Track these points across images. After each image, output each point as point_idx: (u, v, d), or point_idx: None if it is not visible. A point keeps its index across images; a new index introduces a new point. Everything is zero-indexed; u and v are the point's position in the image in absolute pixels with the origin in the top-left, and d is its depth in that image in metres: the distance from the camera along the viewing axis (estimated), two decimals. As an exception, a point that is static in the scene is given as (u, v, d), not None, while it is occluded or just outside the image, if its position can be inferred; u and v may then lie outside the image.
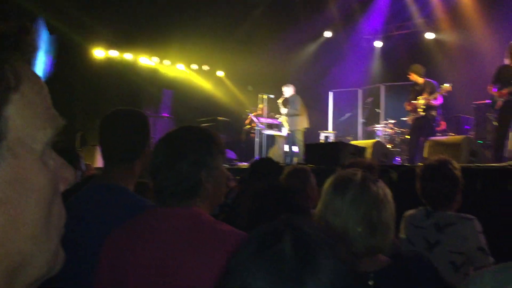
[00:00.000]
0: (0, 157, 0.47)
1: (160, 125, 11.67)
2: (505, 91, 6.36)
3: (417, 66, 7.74)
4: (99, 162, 8.76)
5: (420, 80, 7.64)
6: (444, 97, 7.65)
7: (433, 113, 7.55)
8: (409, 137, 8.41)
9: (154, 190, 1.50)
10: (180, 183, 1.43)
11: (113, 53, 12.11)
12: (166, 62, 13.29)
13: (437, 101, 7.46)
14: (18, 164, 0.49)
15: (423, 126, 7.61)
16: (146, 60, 12.82)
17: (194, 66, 13.75)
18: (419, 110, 7.55)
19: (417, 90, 7.72)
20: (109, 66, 11.71)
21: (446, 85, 7.37)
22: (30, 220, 0.50)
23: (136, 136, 1.89)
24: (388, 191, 1.62)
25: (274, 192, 1.96)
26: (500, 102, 6.41)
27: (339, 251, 0.77)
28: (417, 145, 7.72)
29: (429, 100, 7.44)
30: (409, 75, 7.71)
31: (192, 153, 1.46)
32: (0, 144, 0.47)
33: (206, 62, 13.69)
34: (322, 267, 0.72)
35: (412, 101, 7.72)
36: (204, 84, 13.88)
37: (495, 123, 6.92)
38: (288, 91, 9.54)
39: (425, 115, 7.49)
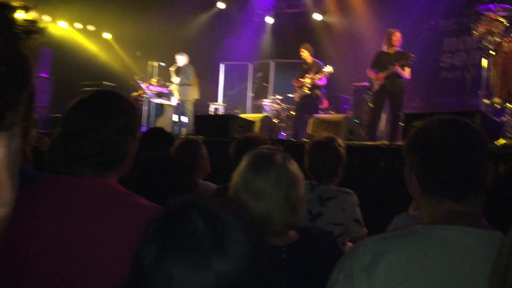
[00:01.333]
0: (16, 139, 0.49)
1: (38, 86, 10.76)
2: (381, 75, 6.94)
3: (307, 45, 8.14)
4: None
5: (310, 59, 8.07)
6: (327, 78, 8.18)
7: (318, 92, 8.07)
8: (294, 113, 8.86)
9: (66, 156, 1.37)
10: (103, 153, 1.33)
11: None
12: (46, 17, 12.18)
13: (321, 81, 7.97)
14: (18, 148, 0.51)
15: (307, 104, 8.10)
16: (21, 14, 11.62)
17: (78, 25, 12.79)
18: (304, 88, 8.00)
19: (304, 69, 8.13)
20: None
21: (329, 68, 7.88)
22: (9, 192, 0.53)
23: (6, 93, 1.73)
24: (298, 168, 1.67)
25: (162, 162, 1.94)
26: (376, 85, 6.99)
27: (246, 220, 0.79)
28: (301, 121, 8.21)
29: (314, 79, 7.89)
30: (301, 51, 8.07)
31: (122, 121, 1.36)
32: (15, 130, 0.48)
33: (91, 22, 12.80)
34: (236, 230, 0.74)
35: (300, 79, 8.12)
36: (88, 45, 13.00)
37: (370, 105, 7.55)
38: (181, 59, 9.37)
39: (310, 93, 7.98)
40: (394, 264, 1.14)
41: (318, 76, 7.88)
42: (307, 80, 7.98)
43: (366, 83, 8.99)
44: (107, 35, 13.30)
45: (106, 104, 1.38)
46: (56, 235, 1.26)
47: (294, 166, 1.65)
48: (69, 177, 1.35)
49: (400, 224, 1.90)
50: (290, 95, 8.86)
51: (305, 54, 8.08)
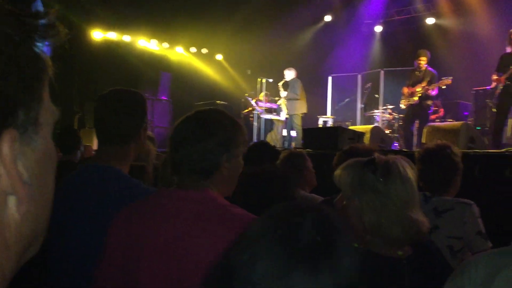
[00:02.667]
0: (38, 138, 0.50)
1: (158, 108, 11.62)
2: (503, 77, 6.36)
3: (425, 51, 7.74)
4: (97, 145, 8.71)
5: (424, 67, 7.65)
6: (441, 88, 7.70)
7: (429, 102, 7.63)
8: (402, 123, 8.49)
9: (171, 165, 1.48)
10: (201, 161, 1.42)
11: (112, 35, 12.00)
12: (165, 44, 13.18)
13: (434, 91, 7.51)
14: (46, 143, 0.52)
15: (417, 114, 7.69)
16: (144, 43, 12.71)
17: (193, 49, 13.64)
18: (415, 97, 7.60)
19: (417, 76, 7.72)
20: (107, 48, 11.61)
21: (447, 79, 7.41)
22: (49, 197, 0.54)
23: (131, 118, 1.83)
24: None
25: (260, 175, 1.95)
26: (498, 89, 6.42)
27: (357, 237, 0.75)
28: (411, 131, 7.83)
29: (427, 89, 7.47)
30: (420, 60, 7.67)
31: (219, 134, 1.45)
32: (37, 123, 0.50)
33: (205, 45, 13.58)
34: (339, 252, 0.70)
35: (411, 87, 7.74)
36: (202, 67, 13.78)
37: (494, 110, 6.92)
38: (289, 74, 9.48)
39: (420, 103, 7.56)
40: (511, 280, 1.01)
41: (432, 86, 7.47)
42: (418, 89, 7.58)
43: (487, 87, 8.28)
44: (219, 57, 13.99)
45: (205, 119, 1.48)
46: (164, 246, 1.35)
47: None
48: (174, 190, 1.46)
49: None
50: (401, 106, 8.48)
51: (423, 62, 7.65)
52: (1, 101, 0.45)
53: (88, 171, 1.80)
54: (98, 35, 11.63)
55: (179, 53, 13.56)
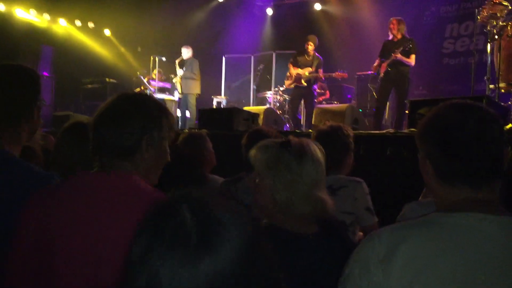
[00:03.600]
0: None
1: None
2: (384, 63, 6.91)
3: (315, 38, 8.19)
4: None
5: (312, 52, 8.10)
6: (327, 67, 8.34)
7: (315, 85, 8.23)
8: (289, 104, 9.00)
9: (92, 145, 1.45)
10: (120, 141, 1.39)
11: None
12: (46, 16, 12.14)
13: (320, 74, 8.14)
14: None
15: (304, 96, 8.22)
16: (22, 13, 11.58)
17: (78, 23, 12.74)
18: (302, 80, 8.06)
19: (306, 60, 8.15)
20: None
21: (343, 73, 8.14)
22: None
23: (23, 96, 1.71)
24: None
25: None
26: (381, 73, 6.97)
27: (239, 208, 0.76)
28: (298, 112, 8.38)
29: (317, 75, 8.01)
30: (308, 44, 8.09)
31: (141, 116, 1.43)
32: None
33: (91, 19, 12.74)
34: (226, 227, 0.71)
35: (297, 69, 8.16)
36: (89, 42, 12.95)
37: (374, 94, 7.50)
38: (186, 52, 9.34)
39: (307, 86, 8.08)
40: (411, 254, 1.12)
41: (325, 74, 8.15)
42: (307, 73, 8.06)
43: (369, 72, 8.94)
44: (107, 32, 13.25)
45: (131, 100, 1.48)
46: (80, 230, 1.32)
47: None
48: (95, 174, 1.43)
49: (411, 212, 1.88)
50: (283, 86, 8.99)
51: (311, 47, 8.11)
52: None
53: None
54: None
55: (63, 26, 12.59)
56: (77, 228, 1.31)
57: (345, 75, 8.23)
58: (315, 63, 8.07)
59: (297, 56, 8.37)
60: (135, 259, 0.71)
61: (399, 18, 7.09)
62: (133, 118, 1.42)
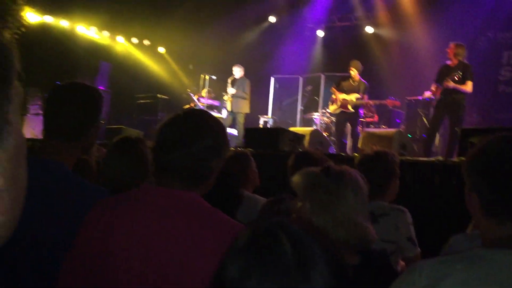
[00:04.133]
0: (8, 136, 0.48)
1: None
2: (439, 90, 6.75)
3: (358, 63, 8.11)
4: (26, 132, 8.29)
5: (357, 77, 8.04)
6: (378, 90, 8.21)
7: (361, 111, 8.19)
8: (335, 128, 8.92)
9: (157, 166, 1.42)
10: (194, 166, 1.37)
11: (48, 19, 11.42)
12: (105, 33, 12.74)
13: (366, 100, 8.06)
14: (16, 136, 0.50)
15: (350, 120, 8.16)
16: (83, 29, 12.21)
17: (135, 40, 13.28)
18: (349, 106, 7.99)
19: (351, 85, 8.10)
20: (43, 32, 11.02)
21: (396, 101, 8.06)
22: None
23: (85, 114, 1.78)
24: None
25: None
26: (435, 100, 6.83)
27: (324, 240, 0.78)
28: (344, 136, 8.31)
29: (365, 102, 7.96)
30: (351, 70, 8.05)
31: (211, 137, 1.40)
32: (8, 122, 0.48)
33: (147, 37, 13.26)
34: (318, 258, 0.74)
35: (342, 94, 8.11)
36: (144, 59, 13.45)
37: (424, 119, 7.31)
38: (238, 71, 9.47)
39: (355, 112, 8.01)
40: None
41: (375, 101, 8.20)
42: (353, 99, 8.01)
43: (419, 97, 8.75)
44: (161, 49, 13.72)
45: (198, 121, 1.43)
46: (143, 244, 1.31)
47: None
48: (160, 188, 1.40)
49: (458, 245, 1.81)
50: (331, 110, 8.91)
51: (354, 72, 8.04)
52: None
53: (30, 165, 1.72)
54: (33, 17, 11.02)
55: (120, 43, 13.16)
56: (139, 242, 1.31)
57: (398, 103, 8.12)
58: (361, 88, 8.00)
59: (342, 81, 8.32)
60: (230, 280, 0.73)
61: (458, 43, 6.82)
62: (203, 140, 1.39)
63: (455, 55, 6.67)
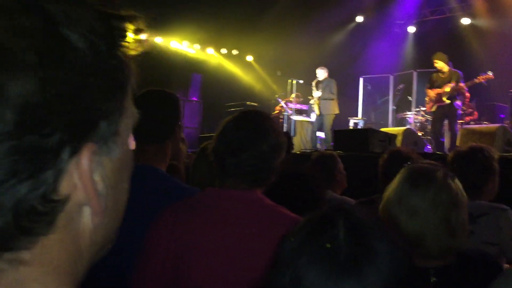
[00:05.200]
0: (116, 147, 0.49)
1: (188, 109, 11.75)
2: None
3: (441, 54, 7.59)
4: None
5: (446, 68, 7.50)
6: (479, 85, 7.55)
7: (458, 102, 7.50)
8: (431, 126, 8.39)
9: (221, 170, 1.45)
10: (262, 169, 1.41)
11: (143, 37, 12.17)
12: (196, 46, 13.32)
13: (466, 89, 7.42)
14: (123, 150, 0.51)
15: (447, 114, 7.53)
16: (176, 44, 12.87)
17: (224, 51, 13.74)
18: (443, 98, 7.45)
19: (442, 78, 7.58)
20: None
21: (488, 74, 7.28)
22: (123, 202, 0.54)
23: (167, 116, 1.87)
24: (462, 189, 1.53)
25: (291, 175, 1.94)
26: None
27: (393, 236, 0.75)
28: (441, 133, 7.69)
29: (460, 88, 7.33)
30: (435, 62, 7.56)
31: (273, 137, 1.43)
32: (117, 133, 0.49)
33: (235, 47, 13.65)
34: (378, 252, 0.70)
35: (436, 90, 7.60)
36: (233, 68, 13.86)
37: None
38: (321, 73, 9.29)
39: (450, 103, 7.40)
40: None
41: (468, 83, 7.37)
42: (447, 89, 7.42)
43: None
44: (249, 58, 14.04)
45: (261, 122, 1.46)
46: (218, 244, 1.35)
47: (458, 187, 1.50)
48: (227, 191, 1.44)
49: None
50: (426, 109, 8.39)
51: (440, 64, 7.51)
52: (83, 115, 0.43)
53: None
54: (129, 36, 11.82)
55: (210, 55, 13.68)
56: (212, 239, 1.35)
57: (491, 76, 7.30)
58: (453, 78, 7.42)
59: (432, 78, 7.83)
60: (284, 257, 0.74)
61: None
62: (266, 142, 1.41)
63: None
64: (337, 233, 0.71)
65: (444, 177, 1.48)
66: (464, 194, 1.52)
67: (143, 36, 0.54)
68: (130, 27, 0.52)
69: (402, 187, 1.49)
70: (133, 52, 0.52)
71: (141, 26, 0.53)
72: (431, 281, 1.47)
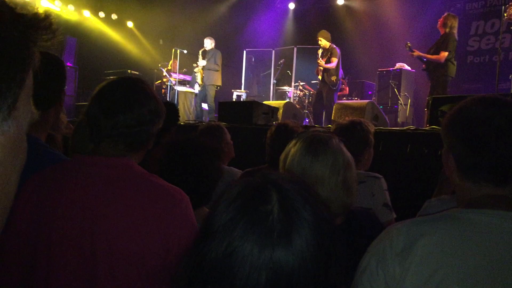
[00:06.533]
0: (11, 122, 0.48)
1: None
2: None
3: (325, 32, 8.02)
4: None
5: (328, 45, 7.94)
6: (348, 63, 8.05)
7: (332, 78, 7.88)
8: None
9: (95, 133, 1.39)
10: (137, 133, 1.37)
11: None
12: (70, 7, 12.31)
13: (331, 65, 7.81)
14: (17, 135, 0.50)
15: (323, 90, 8.01)
16: (47, 3, 11.76)
17: (102, 14, 12.89)
18: (319, 74, 7.94)
19: (324, 55, 8.04)
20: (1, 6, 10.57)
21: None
22: (11, 189, 0.52)
23: (52, 83, 1.73)
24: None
25: (186, 146, 1.93)
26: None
27: (318, 205, 0.78)
28: (320, 107, 8.15)
29: (325, 64, 7.79)
30: (319, 40, 7.96)
31: (151, 103, 1.41)
32: (10, 114, 0.48)
33: (115, 11, 12.88)
34: (306, 223, 0.74)
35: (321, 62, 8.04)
36: (112, 34, 13.10)
37: (396, 90, 7.38)
38: (209, 43, 9.22)
39: (322, 79, 7.89)
40: (429, 249, 1.10)
41: (331, 60, 7.82)
42: (320, 67, 7.92)
43: (390, 69, 8.84)
44: (130, 24, 13.37)
45: (138, 86, 1.43)
46: (80, 212, 1.30)
47: (347, 150, 1.62)
48: (94, 157, 1.38)
49: (432, 209, 1.84)
50: (314, 82, 8.81)
51: (323, 42, 7.94)
52: None
53: None
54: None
55: (86, 17, 12.76)
56: (75, 208, 1.30)
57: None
58: (327, 54, 7.91)
59: (318, 54, 8.25)
60: (217, 228, 0.75)
61: (448, 13, 6.77)
62: (144, 106, 1.39)
63: (442, 25, 6.61)
64: (272, 208, 0.74)
65: (337, 143, 1.60)
66: (350, 155, 1.65)
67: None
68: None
69: (303, 157, 1.56)
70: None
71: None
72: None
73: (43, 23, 0.52)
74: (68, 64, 11.41)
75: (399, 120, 8.53)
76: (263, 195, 0.76)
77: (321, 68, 7.84)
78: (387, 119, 7.36)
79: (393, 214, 2.68)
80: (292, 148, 1.61)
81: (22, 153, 0.53)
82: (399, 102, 8.64)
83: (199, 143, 1.95)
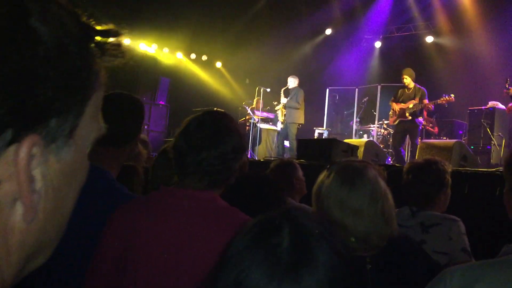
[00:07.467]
0: (68, 149, 0.48)
1: (155, 113, 11.63)
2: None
3: (409, 70, 7.86)
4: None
5: (412, 84, 7.77)
6: (440, 104, 7.79)
7: (420, 118, 7.72)
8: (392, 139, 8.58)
9: (180, 168, 1.43)
10: (222, 169, 1.41)
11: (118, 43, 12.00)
12: (165, 50, 13.22)
13: (432, 107, 7.63)
14: (77, 157, 0.50)
15: (409, 130, 7.78)
16: (145, 47, 12.73)
17: (193, 56, 13.68)
18: (406, 113, 7.70)
19: (407, 94, 7.84)
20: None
21: (449, 97, 7.53)
22: (66, 211, 0.52)
23: (130, 122, 1.84)
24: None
25: (252, 180, 1.96)
26: None
27: (336, 244, 0.77)
28: (402, 147, 7.91)
29: (422, 106, 7.57)
30: (404, 78, 7.81)
31: (235, 138, 1.44)
32: (71, 135, 0.48)
33: (205, 52, 13.63)
34: (319, 262, 0.73)
35: (400, 104, 7.83)
36: (201, 74, 13.81)
37: (488, 130, 6.93)
38: (292, 82, 9.33)
39: (412, 119, 7.65)
40: None
41: (432, 102, 7.62)
42: (410, 106, 7.69)
43: (483, 107, 8.36)
44: (218, 64, 14.03)
45: (225, 122, 1.47)
46: (165, 243, 1.35)
47: (383, 178, 1.57)
48: (182, 190, 1.43)
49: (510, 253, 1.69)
50: (387, 121, 8.61)
51: (407, 80, 7.77)
52: (30, 103, 0.42)
53: None
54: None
55: (179, 59, 13.60)
56: (160, 239, 1.35)
57: (452, 98, 7.59)
58: (418, 95, 7.70)
59: (398, 92, 8.08)
60: (230, 258, 0.76)
61: None
62: (227, 142, 1.42)
63: None
64: (282, 240, 0.73)
65: (373, 172, 1.54)
66: (385, 183, 1.58)
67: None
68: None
69: (340, 188, 1.50)
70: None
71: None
72: (368, 268, 1.53)
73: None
74: (161, 102, 12.17)
75: (492, 161, 7.95)
76: (275, 227, 0.76)
77: (410, 107, 7.66)
78: (478, 160, 6.92)
79: (473, 260, 2.48)
80: (326, 180, 1.55)
81: (81, 174, 0.53)
82: (492, 142, 8.09)
83: (260, 177, 1.98)
